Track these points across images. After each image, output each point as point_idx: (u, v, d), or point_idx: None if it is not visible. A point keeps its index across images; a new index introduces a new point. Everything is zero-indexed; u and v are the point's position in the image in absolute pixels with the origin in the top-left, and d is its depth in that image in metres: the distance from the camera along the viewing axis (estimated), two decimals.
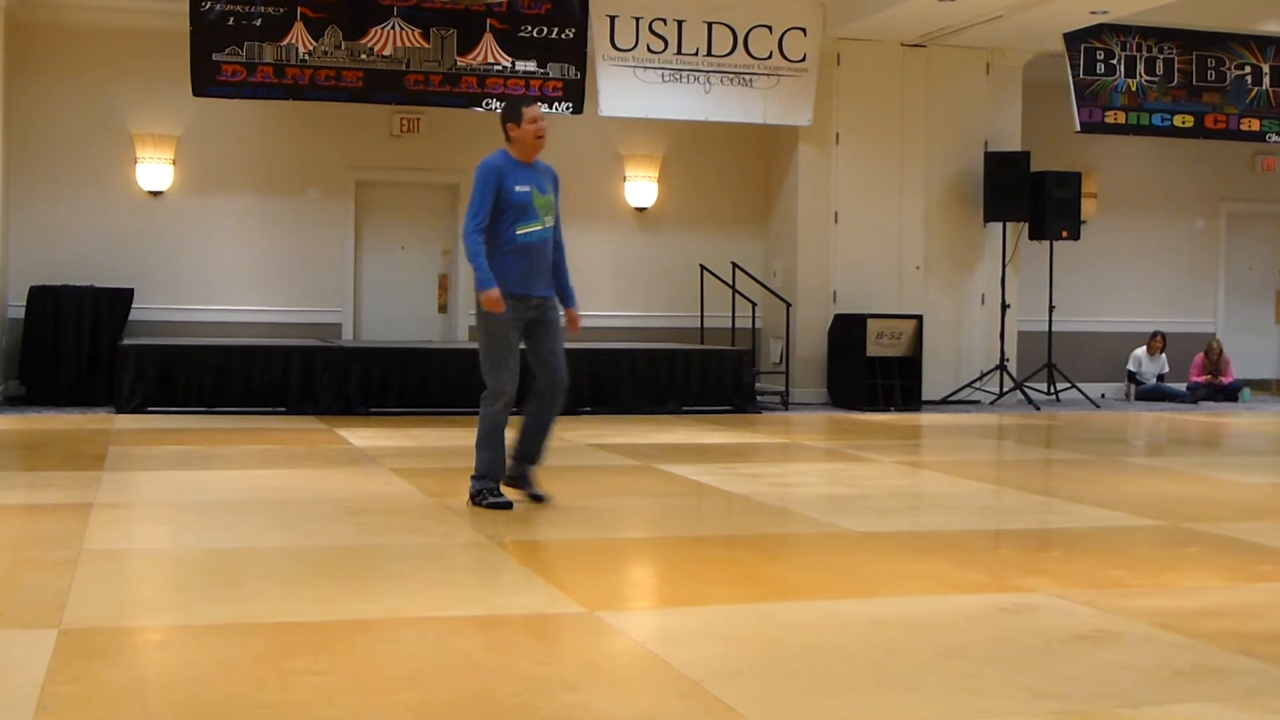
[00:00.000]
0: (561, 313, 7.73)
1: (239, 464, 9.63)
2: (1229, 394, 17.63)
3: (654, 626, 5.03)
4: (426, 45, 14.34)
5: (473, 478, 7.52)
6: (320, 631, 4.73)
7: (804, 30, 15.33)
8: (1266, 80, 16.93)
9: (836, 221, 15.85)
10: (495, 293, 7.26)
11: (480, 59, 14.48)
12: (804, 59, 15.34)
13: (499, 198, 7.34)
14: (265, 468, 9.47)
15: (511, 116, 7.53)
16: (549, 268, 7.60)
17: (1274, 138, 17.17)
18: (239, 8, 13.83)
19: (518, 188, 7.40)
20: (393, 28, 14.23)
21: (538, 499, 7.63)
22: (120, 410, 13.05)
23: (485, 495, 7.43)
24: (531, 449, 7.64)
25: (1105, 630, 4.86)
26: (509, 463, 7.61)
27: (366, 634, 4.69)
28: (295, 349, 13.71)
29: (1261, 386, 18.92)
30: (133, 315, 14.46)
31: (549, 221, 7.57)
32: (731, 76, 15.18)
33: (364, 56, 14.16)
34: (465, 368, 13.82)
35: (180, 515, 7.44)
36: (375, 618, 4.93)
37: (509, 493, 7.52)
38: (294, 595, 5.34)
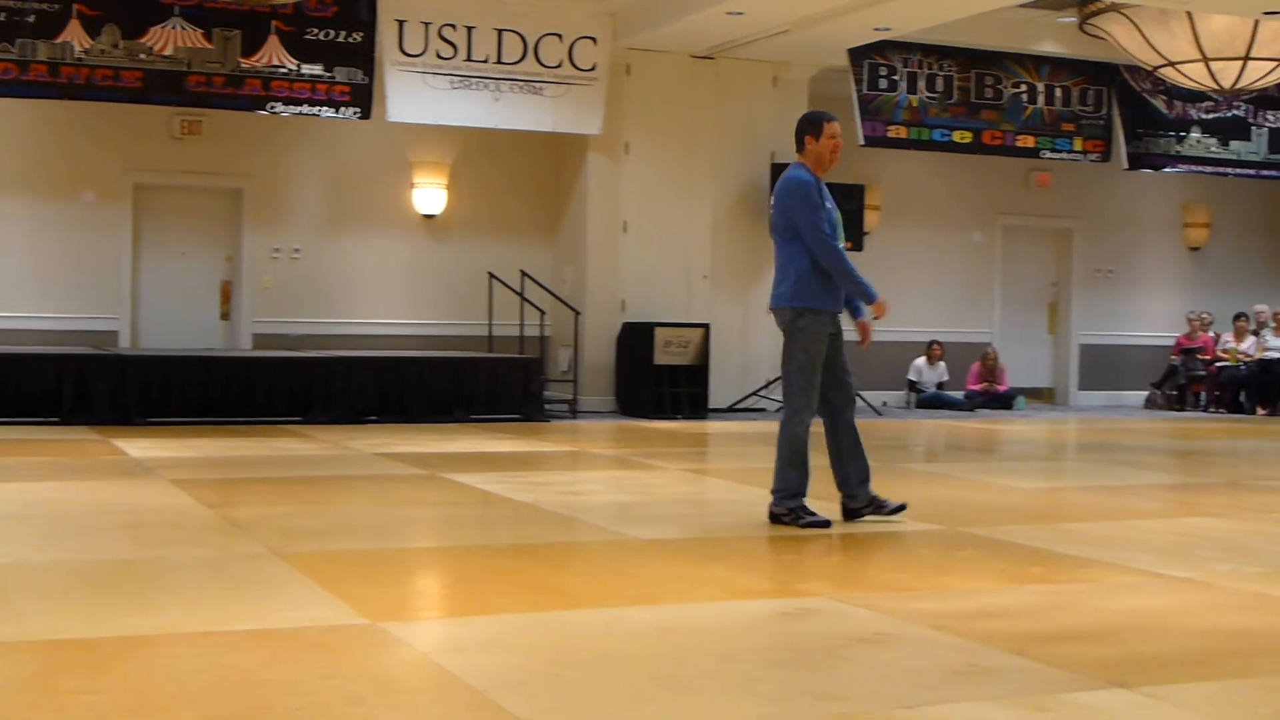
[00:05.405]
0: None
1: (9, 476, 9.27)
2: (1004, 402, 18.17)
3: (439, 637, 4.98)
4: (209, 46, 14.04)
5: (781, 498, 7.38)
6: (94, 649, 4.58)
7: (594, 40, 15.40)
8: (1041, 99, 17.52)
9: (625, 230, 15.94)
10: (883, 300, 7.30)
11: (265, 61, 14.23)
12: (594, 68, 15.41)
13: None
14: (37, 480, 9.14)
15: (810, 129, 7.43)
16: None
17: (1048, 154, 17.78)
18: (11, 3, 13.38)
19: (827, 203, 7.32)
20: (173, 27, 13.90)
21: (901, 509, 7.58)
22: None
23: (801, 515, 7.30)
24: (864, 468, 7.55)
25: (884, 633, 4.96)
26: (852, 500, 7.54)
27: (143, 650, 4.56)
28: (69, 357, 13.29)
29: (1035, 395, 19.55)
30: None
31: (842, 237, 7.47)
32: (521, 84, 15.17)
33: (143, 56, 13.80)
34: (248, 376, 13.59)
35: None
36: (152, 633, 4.79)
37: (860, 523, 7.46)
38: (67, 612, 5.16)
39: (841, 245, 7.40)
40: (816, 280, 7.31)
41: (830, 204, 7.40)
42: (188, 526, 7.21)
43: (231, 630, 4.87)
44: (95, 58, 13.70)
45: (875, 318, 7.44)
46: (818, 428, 7.48)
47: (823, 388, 7.47)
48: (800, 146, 7.49)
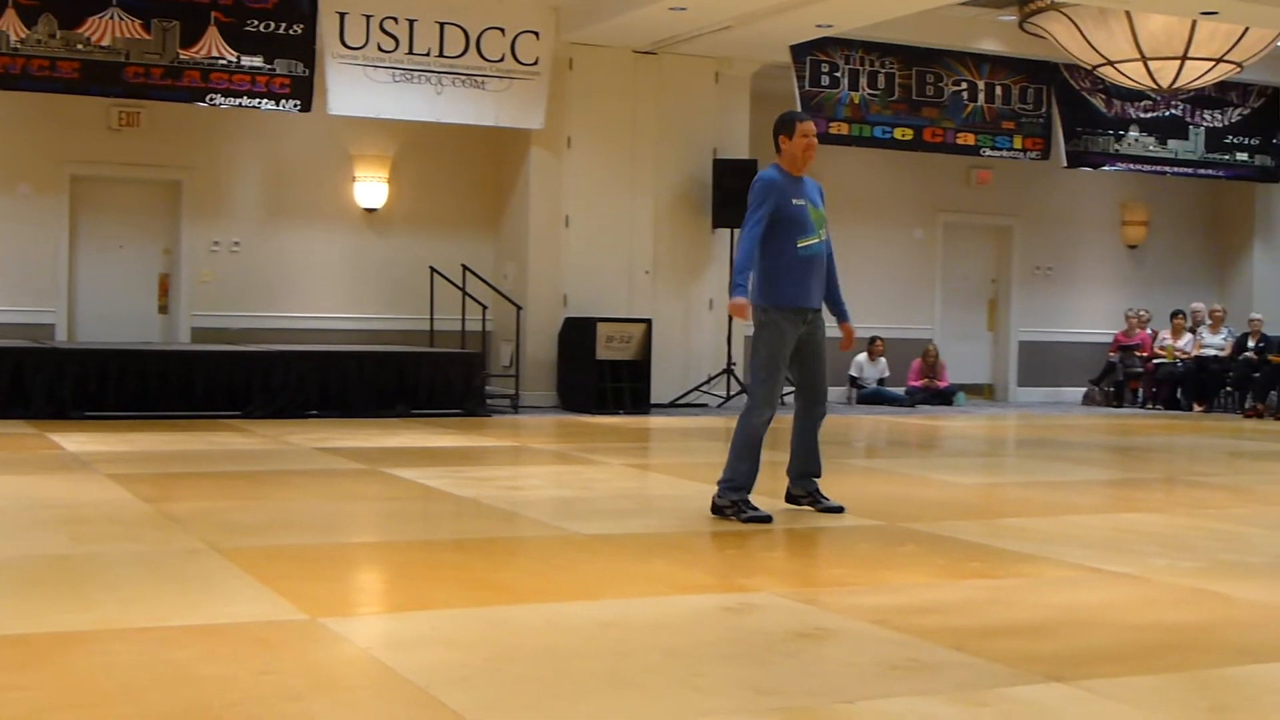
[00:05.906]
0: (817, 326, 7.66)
1: None
2: (944, 398, 18.28)
3: (380, 632, 4.95)
4: (147, 37, 13.90)
5: (726, 489, 7.43)
6: (27, 645, 4.52)
7: (536, 34, 15.36)
8: (981, 96, 17.62)
9: (568, 225, 15.93)
10: (744, 302, 7.25)
11: (204, 53, 14.10)
12: (536, 62, 15.37)
13: (777, 211, 7.31)
14: None
15: (784, 129, 7.49)
16: (824, 281, 7.58)
17: (988, 152, 17.88)
18: None
19: (794, 201, 7.40)
20: (111, 17, 13.74)
21: (837, 510, 7.67)
22: None
23: (743, 509, 7.35)
24: (813, 463, 7.71)
25: (825, 628, 4.97)
26: (795, 487, 7.75)
27: (78, 646, 4.50)
28: (4, 350, 13.13)
29: (975, 391, 19.68)
30: None
31: (824, 234, 7.53)
32: (463, 78, 15.12)
33: (81, 46, 13.65)
34: (186, 370, 13.47)
35: None
36: (88, 629, 4.74)
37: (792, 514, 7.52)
38: (1, 608, 5.10)
39: (819, 241, 7.49)
40: (781, 277, 7.38)
41: (803, 201, 7.47)
42: (125, 521, 7.14)
43: (169, 626, 4.82)
44: (31, 47, 13.53)
45: (731, 316, 7.62)
46: (778, 424, 7.57)
47: (797, 380, 7.68)
48: (776, 147, 7.56)
